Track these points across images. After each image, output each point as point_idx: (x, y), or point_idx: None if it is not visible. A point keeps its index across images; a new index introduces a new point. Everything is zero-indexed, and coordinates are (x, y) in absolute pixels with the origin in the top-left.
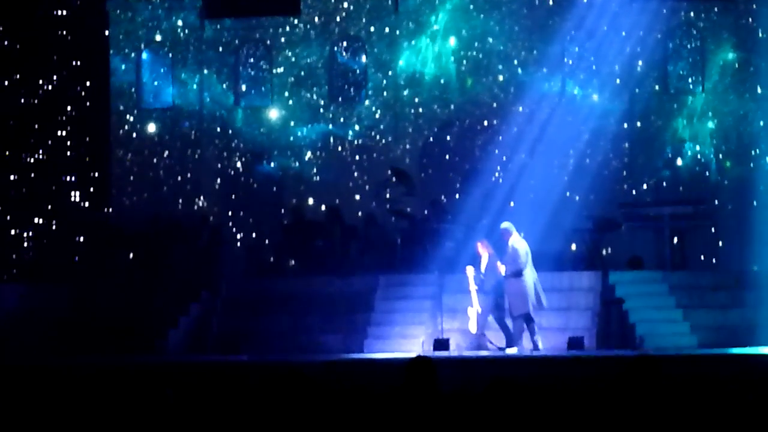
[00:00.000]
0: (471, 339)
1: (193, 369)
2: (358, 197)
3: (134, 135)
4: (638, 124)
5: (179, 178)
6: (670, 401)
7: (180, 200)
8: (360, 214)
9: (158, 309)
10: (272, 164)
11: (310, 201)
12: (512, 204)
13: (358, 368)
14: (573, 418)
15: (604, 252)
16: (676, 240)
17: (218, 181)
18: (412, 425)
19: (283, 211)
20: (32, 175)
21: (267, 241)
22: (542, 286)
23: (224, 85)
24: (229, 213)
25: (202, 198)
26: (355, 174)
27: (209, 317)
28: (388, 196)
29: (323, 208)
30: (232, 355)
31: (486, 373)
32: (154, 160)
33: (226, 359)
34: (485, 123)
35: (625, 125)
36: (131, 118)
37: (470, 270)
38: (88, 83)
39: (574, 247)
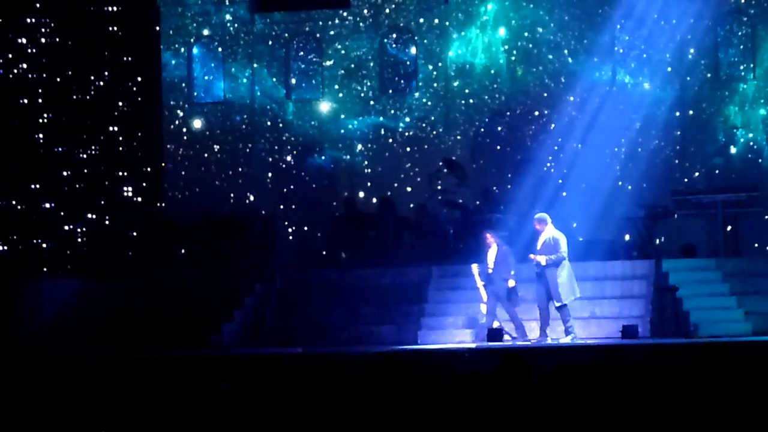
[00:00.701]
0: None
1: (248, 362)
2: (409, 188)
3: (186, 129)
4: (690, 111)
5: (231, 172)
6: (738, 388)
7: (232, 194)
8: (412, 205)
9: (212, 302)
10: (323, 157)
11: (362, 193)
12: (564, 194)
13: (413, 359)
14: (635, 405)
15: (656, 240)
16: (729, 227)
17: (270, 174)
18: (503, 414)
19: (335, 203)
20: (85, 170)
21: (319, 234)
22: (594, 275)
23: (275, 79)
24: (281, 206)
25: (253, 191)
26: (407, 165)
27: (263, 310)
28: (439, 186)
29: (375, 199)
30: (287, 347)
31: (541, 363)
32: (206, 155)
33: (280, 352)
34: (536, 113)
35: (677, 113)
36: (182, 113)
37: (475, 267)
38: (139, 78)
39: (627, 237)
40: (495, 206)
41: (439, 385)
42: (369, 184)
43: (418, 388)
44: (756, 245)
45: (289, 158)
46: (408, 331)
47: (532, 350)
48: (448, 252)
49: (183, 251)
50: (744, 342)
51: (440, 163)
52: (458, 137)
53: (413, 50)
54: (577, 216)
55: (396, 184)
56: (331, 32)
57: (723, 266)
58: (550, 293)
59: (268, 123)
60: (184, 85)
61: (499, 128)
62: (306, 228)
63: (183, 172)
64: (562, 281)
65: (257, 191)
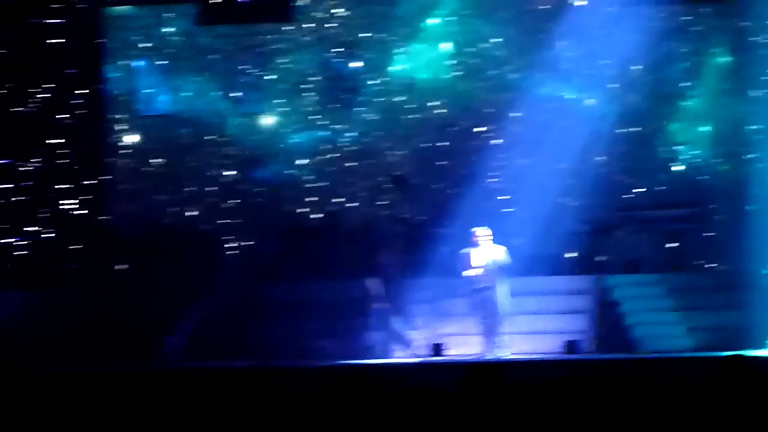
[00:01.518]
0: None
1: (191, 376)
2: (354, 203)
3: (129, 142)
4: (634, 127)
5: (174, 185)
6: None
7: (175, 208)
8: (357, 220)
9: (155, 316)
10: (268, 171)
11: (307, 208)
12: (507, 208)
13: (357, 373)
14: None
15: (601, 256)
16: (673, 243)
17: (213, 188)
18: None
19: (279, 217)
20: (26, 183)
21: (264, 248)
22: (537, 290)
23: (218, 92)
24: (225, 220)
25: (197, 205)
26: (351, 180)
27: (207, 324)
28: (384, 201)
29: (319, 214)
30: (231, 361)
31: (487, 376)
32: (149, 168)
33: (224, 366)
34: (480, 128)
35: (622, 129)
36: (126, 126)
37: (371, 281)
38: (82, 91)
39: (574, 254)
40: (439, 221)
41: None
42: (313, 198)
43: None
44: (701, 261)
45: (232, 172)
46: (352, 345)
47: (474, 365)
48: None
49: (126, 265)
50: (686, 358)
51: (385, 178)
52: (403, 152)
53: (358, 64)
54: (521, 230)
55: (341, 199)
56: (275, 46)
57: (667, 281)
58: (492, 305)
59: (212, 137)
60: (127, 98)
61: (444, 143)
62: (249, 243)
63: (126, 186)
64: (503, 292)
65: (200, 205)
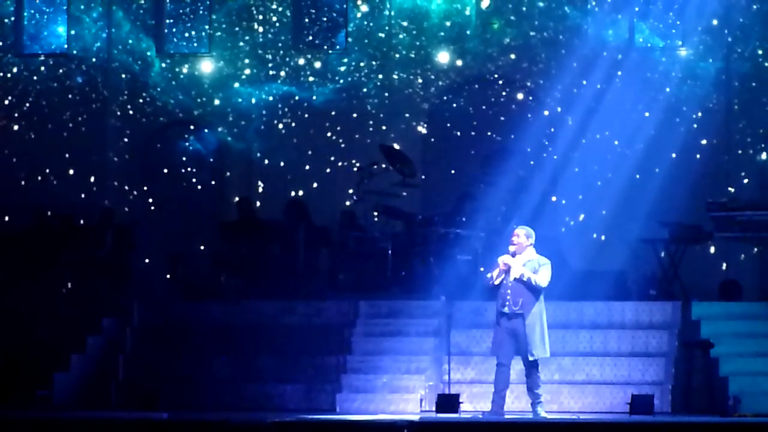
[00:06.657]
0: None
1: (90, 430)
2: (330, 189)
3: (11, 91)
4: (742, 90)
5: (72, 155)
6: None
7: (74, 187)
8: (332, 213)
9: (41, 343)
10: (203, 141)
11: (260, 195)
12: (554, 198)
13: None
14: None
15: (685, 274)
16: None
17: (128, 161)
18: None
19: (218, 209)
20: None
21: (200, 248)
22: (593, 322)
23: (139, 23)
24: (145, 207)
25: (102, 185)
26: (327, 156)
27: (114, 356)
28: (373, 188)
29: (280, 203)
30: (146, 410)
31: None
32: (37, 130)
33: (136, 417)
34: (517, 87)
35: (722, 92)
36: (5, 70)
37: None
38: None
39: (648, 272)
40: (454, 219)
41: None
42: (272, 180)
43: None
44: None
45: (154, 140)
46: (322, 392)
47: (497, 427)
48: (385, 281)
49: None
50: None
51: (375, 163)
52: (404, 116)
53: None
54: (572, 236)
55: (312, 182)
56: None
57: None
58: (520, 342)
59: (127, 89)
60: (11, 29)
61: (462, 106)
62: (178, 241)
63: (6, 151)
64: (542, 327)
65: (110, 184)
